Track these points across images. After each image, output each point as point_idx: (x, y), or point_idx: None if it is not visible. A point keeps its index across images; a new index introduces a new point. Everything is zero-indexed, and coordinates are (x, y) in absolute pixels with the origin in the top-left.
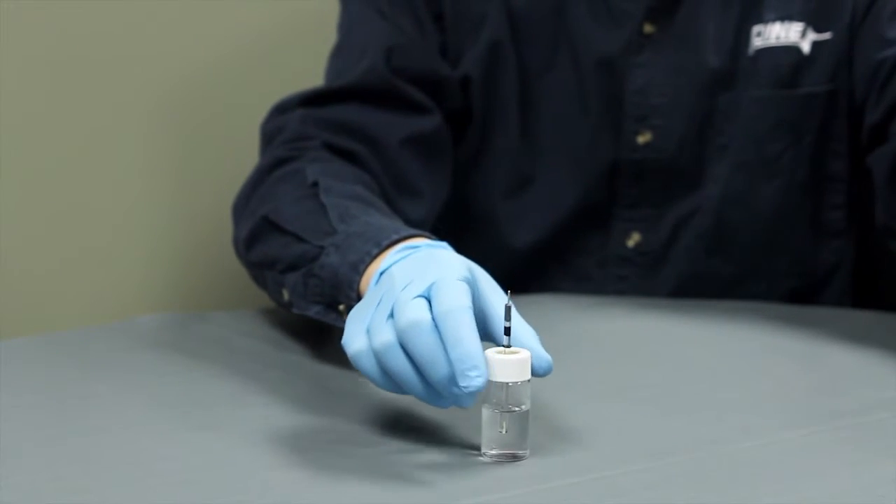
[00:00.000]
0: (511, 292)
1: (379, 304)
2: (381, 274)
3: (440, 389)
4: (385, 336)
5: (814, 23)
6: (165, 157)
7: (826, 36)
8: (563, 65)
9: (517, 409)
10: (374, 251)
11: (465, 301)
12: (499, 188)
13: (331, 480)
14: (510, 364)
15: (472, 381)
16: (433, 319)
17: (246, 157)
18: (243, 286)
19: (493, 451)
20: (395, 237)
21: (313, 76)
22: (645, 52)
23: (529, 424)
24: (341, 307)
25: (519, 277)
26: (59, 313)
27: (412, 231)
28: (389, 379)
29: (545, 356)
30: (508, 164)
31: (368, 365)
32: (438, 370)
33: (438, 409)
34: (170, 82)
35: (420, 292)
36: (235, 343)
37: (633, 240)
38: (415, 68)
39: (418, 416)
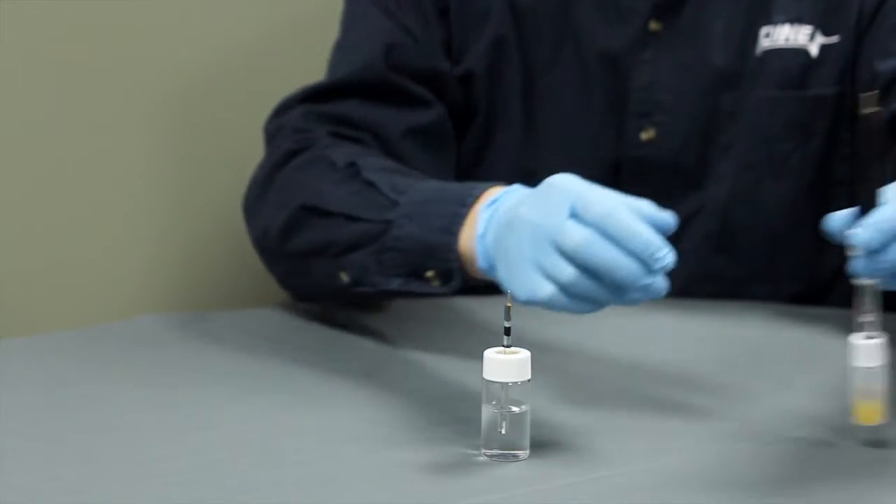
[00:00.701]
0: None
1: (533, 246)
2: (485, 231)
3: (628, 287)
4: (566, 271)
5: (822, 26)
6: (166, 156)
7: (834, 39)
8: (567, 60)
9: (517, 409)
10: (463, 211)
11: (613, 199)
12: (501, 183)
13: (331, 480)
14: (510, 364)
15: (664, 261)
16: (595, 230)
17: (248, 156)
18: (244, 286)
19: (493, 451)
20: (477, 192)
21: (317, 75)
22: (650, 49)
23: (529, 424)
24: (429, 273)
25: None
26: (59, 313)
27: (487, 184)
28: (586, 303)
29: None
30: (511, 159)
31: (562, 303)
32: (623, 270)
33: (438, 409)
34: (171, 82)
35: (567, 214)
36: (235, 343)
37: None
38: (414, 65)
39: (419, 416)
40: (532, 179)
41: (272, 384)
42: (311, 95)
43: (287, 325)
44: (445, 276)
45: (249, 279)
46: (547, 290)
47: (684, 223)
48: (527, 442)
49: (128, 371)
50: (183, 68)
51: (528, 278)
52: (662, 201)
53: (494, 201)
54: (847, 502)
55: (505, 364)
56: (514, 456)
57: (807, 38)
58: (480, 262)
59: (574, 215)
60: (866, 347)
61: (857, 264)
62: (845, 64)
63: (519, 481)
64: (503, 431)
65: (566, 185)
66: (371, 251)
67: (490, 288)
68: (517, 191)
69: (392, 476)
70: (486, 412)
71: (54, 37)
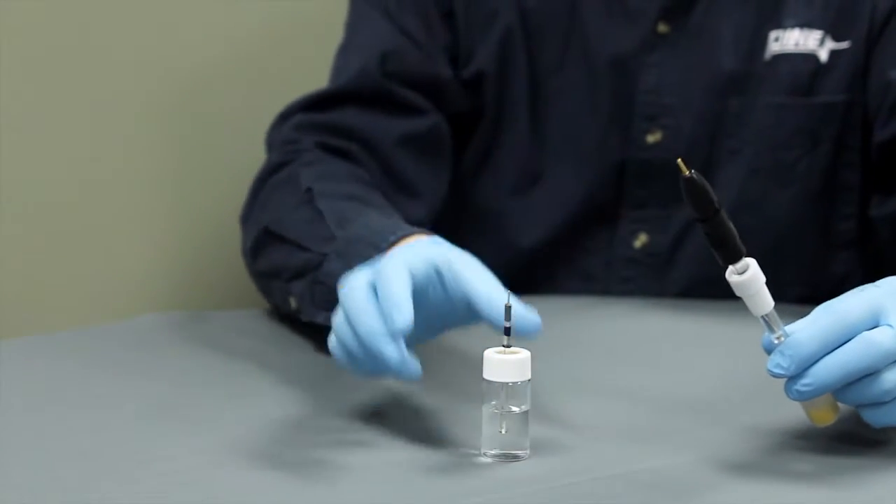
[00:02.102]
0: (512, 290)
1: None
2: None
3: (369, 348)
4: (337, 320)
5: (833, 31)
6: (166, 157)
7: (844, 45)
8: (574, 62)
9: (517, 409)
10: (375, 255)
11: (398, 271)
12: (507, 185)
13: (331, 480)
14: (510, 364)
15: (395, 322)
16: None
17: (248, 158)
18: (243, 286)
19: (493, 451)
20: (393, 238)
21: (317, 78)
22: (658, 51)
23: (529, 424)
24: None
25: (525, 276)
26: (59, 313)
27: (410, 230)
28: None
29: (530, 316)
30: (517, 162)
31: (341, 361)
32: (365, 323)
33: (438, 410)
34: (172, 82)
35: (368, 279)
36: (235, 343)
37: (640, 241)
38: (410, 72)
39: (419, 417)
40: (538, 181)
41: (271, 384)
42: (311, 103)
43: (286, 325)
44: None
45: (249, 279)
46: (331, 341)
47: (689, 226)
48: (527, 442)
49: (128, 371)
50: (183, 69)
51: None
52: (668, 204)
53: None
54: (847, 501)
55: (504, 364)
56: (515, 456)
57: (817, 43)
58: None
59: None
60: None
61: (790, 394)
62: (855, 70)
63: (519, 481)
64: (503, 431)
65: (391, 254)
66: (308, 282)
67: None
68: (434, 242)
69: (392, 476)
70: (486, 412)
71: (53, 38)
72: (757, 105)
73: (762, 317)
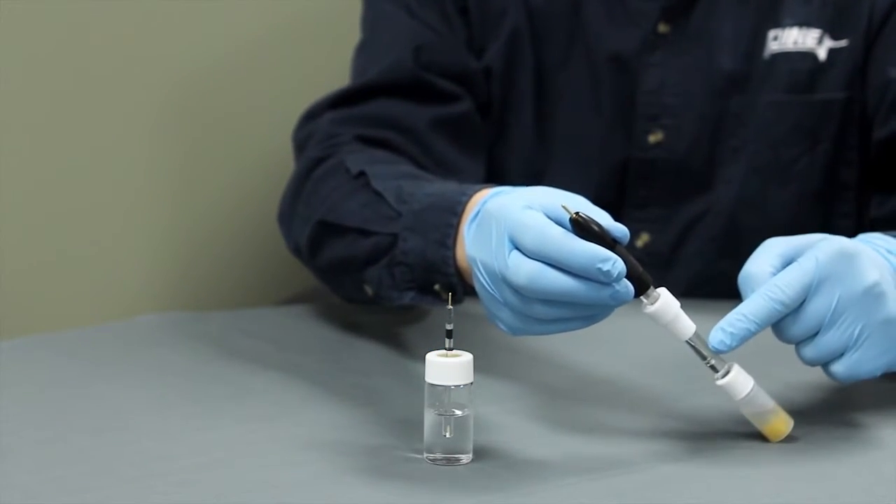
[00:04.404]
0: (454, 296)
1: (495, 287)
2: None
3: (592, 300)
4: (533, 307)
5: (831, 30)
6: (167, 157)
7: (842, 43)
8: (577, 62)
9: (460, 412)
10: (454, 220)
11: (541, 221)
12: (511, 182)
13: (330, 481)
14: (452, 367)
15: (614, 270)
16: (532, 256)
17: (249, 157)
18: (243, 286)
19: (436, 455)
20: (465, 199)
21: (317, 77)
22: (659, 51)
23: (472, 428)
24: (437, 287)
25: None
26: (59, 313)
27: (474, 188)
28: (549, 326)
29: (620, 226)
30: (522, 159)
31: (544, 330)
32: (578, 294)
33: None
34: (172, 83)
35: (508, 248)
36: (235, 343)
37: (643, 240)
38: (443, 63)
39: (418, 418)
40: (541, 180)
41: (270, 384)
42: (340, 99)
43: (285, 325)
44: (451, 290)
45: (249, 279)
46: (512, 325)
47: (691, 225)
48: (470, 445)
49: (128, 371)
50: (184, 69)
51: (507, 316)
52: (670, 203)
53: (476, 214)
54: (847, 501)
55: (447, 367)
56: (457, 460)
57: (815, 41)
58: None
59: (516, 247)
60: (731, 383)
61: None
62: (854, 68)
63: (519, 482)
64: (447, 435)
65: (500, 214)
66: (384, 265)
67: None
68: (500, 193)
69: (392, 477)
70: (429, 416)
71: (55, 37)
72: (757, 104)
73: (687, 342)
